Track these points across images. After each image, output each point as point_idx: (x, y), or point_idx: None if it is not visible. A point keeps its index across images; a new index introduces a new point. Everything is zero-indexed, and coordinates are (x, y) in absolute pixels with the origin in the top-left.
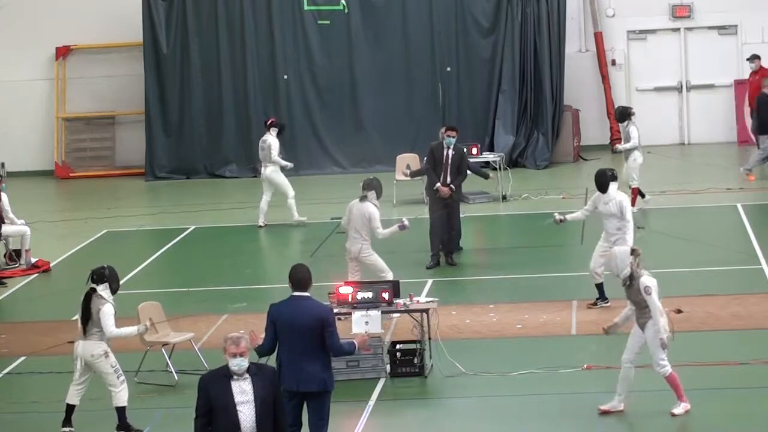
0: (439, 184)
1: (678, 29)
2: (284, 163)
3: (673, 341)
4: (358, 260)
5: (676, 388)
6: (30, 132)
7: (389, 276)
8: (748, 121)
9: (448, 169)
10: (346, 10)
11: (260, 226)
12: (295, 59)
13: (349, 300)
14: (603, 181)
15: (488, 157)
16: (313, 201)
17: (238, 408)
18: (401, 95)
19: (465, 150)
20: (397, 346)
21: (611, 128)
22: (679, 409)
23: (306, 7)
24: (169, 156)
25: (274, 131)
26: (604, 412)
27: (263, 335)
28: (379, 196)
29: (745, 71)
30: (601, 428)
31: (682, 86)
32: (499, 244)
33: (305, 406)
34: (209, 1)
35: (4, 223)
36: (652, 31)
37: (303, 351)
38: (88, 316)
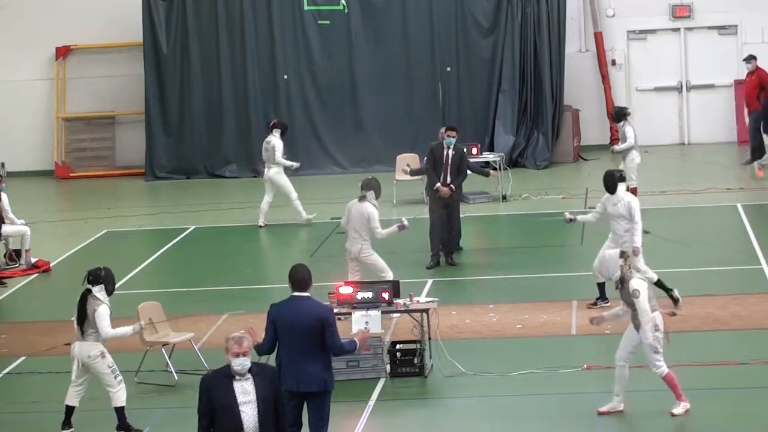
0: (439, 184)
1: (678, 29)
2: (290, 163)
3: (669, 344)
4: (358, 260)
5: (674, 387)
6: (30, 132)
7: (389, 276)
8: (746, 121)
9: (448, 169)
10: (346, 10)
11: (260, 226)
12: (295, 59)
13: (349, 300)
14: (611, 182)
15: (488, 157)
16: (314, 201)
17: (240, 408)
18: (401, 95)
19: (465, 150)
20: (397, 346)
21: (611, 128)
22: (679, 408)
23: (306, 7)
24: (169, 156)
25: (277, 132)
26: (604, 414)
27: (263, 334)
28: (377, 196)
29: (746, 71)
30: (601, 428)
31: (682, 86)
32: (499, 244)
33: (305, 406)
34: (209, 1)
35: (4, 223)
36: (652, 31)
37: (303, 351)
38: (83, 317)
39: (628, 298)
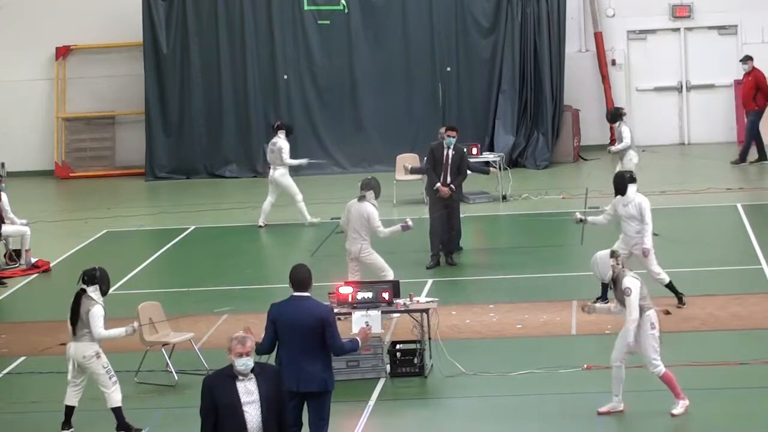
0: (439, 184)
1: (678, 29)
2: (298, 162)
3: (660, 343)
4: (358, 260)
5: (673, 387)
6: (30, 132)
7: (390, 275)
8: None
9: (448, 169)
10: (346, 10)
11: (260, 226)
12: (295, 59)
13: (349, 300)
14: (621, 183)
15: (488, 157)
16: (314, 201)
17: (244, 408)
18: (401, 95)
19: (465, 150)
20: (397, 346)
21: (611, 128)
22: (678, 408)
23: (306, 7)
24: (169, 156)
25: (282, 134)
26: (604, 414)
27: (262, 334)
28: (377, 196)
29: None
30: (600, 428)
31: (682, 86)
32: (499, 244)
33: (305, 406)
34: (209, 1)
35: (4, 223)
36: (652, 31)
37: (303, 351)
38: (76, 317)
39: (621, 297)
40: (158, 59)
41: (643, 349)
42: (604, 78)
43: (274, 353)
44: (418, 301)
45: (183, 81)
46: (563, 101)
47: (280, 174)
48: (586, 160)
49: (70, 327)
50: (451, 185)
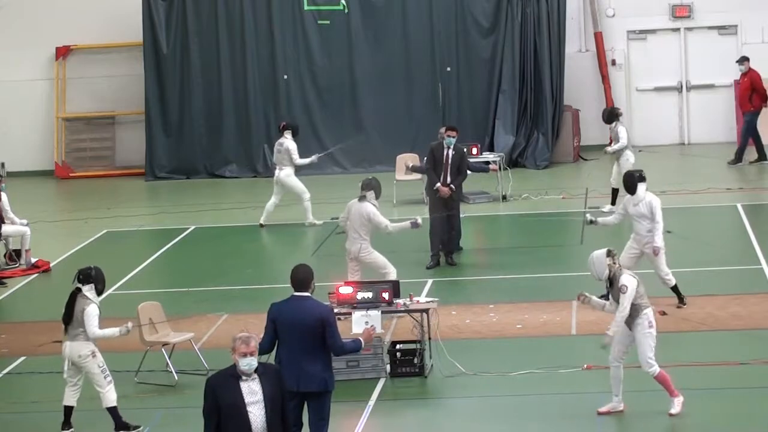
0: (439, 184)
1: (678, 29)
2: (308, 160)
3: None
4: (358, 260)
5: (667, 385)
6: (30, 132)
7: (391, 272)
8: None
9: (448, 169)
10: (346, 10)
11: (261, 225)
12: (295, 59)
13: (349, 300)
14: (631, 182)
15: (488, 157)
16: (314, 201)
17: (248, 408)
18: (401, 95)
19: (465, 150)
20: (397, 346)
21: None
22: (675, 407)
23: (306, 7)
24: (169, 156)
25: (288, 134)
26: (603, 414)
27: (261, 333)
28: (378, 196)
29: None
30: (600, 428)
31: (682, 86)
32: (499, 244)
33: (306, 406)
34: (209, 1)
35: (4, 223)
36: (652, 31)
37: (303, 351)
38: (70, 316)
39: (617, 295)
40: (158, 59)
41: (639, 348)
42: (604, 78)
43: (273, 353)
44: (418, 301)
45: (183, 81)
46: (563, 101)
47: (285, 174)
48: (586, 160)
49: (63, 326)
50: (451, 185)
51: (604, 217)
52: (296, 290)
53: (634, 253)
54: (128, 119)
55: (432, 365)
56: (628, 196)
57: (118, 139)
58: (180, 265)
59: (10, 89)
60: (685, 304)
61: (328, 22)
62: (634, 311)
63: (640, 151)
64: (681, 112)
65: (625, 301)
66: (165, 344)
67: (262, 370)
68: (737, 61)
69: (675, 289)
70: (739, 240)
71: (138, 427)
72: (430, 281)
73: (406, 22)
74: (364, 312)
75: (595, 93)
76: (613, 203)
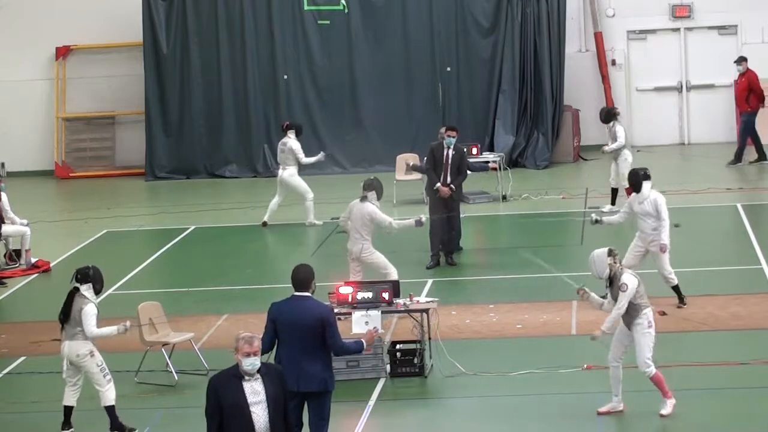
0: (439, 184)
1: (678, 29)
2: (314, 159)
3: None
4: (360, 260)
5: (661, 386)
6: (30, 132)
7: (393, 272)
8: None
9: (448, 169)
10: (346, 10)
11: (264, 224)
12: (295, 59)
13: (349, 300)
14: (635, 180)
15: (488, 157)
16: (314, 201)
17: (251, 408)
18: (401, 95)
19: (465, 150)
20: (397, 346)
21: None
22: (667, 408)
23: (306, 7)
24: (169, 156)
25: (292, 134)
26: (603, 414)
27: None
28: (379, 197)
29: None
30: (601, 428)
31: (682, 86)
32: (499, 244)
33: (306, 406)
34: (209, 1)
35: (4, 223)
36: (652, 31)
37: (303, 351)
38: (67, 315)
39: (617, 294)
40: (158, 59)
41: (638, 348)
42: (604, 78)
43: (272, 353)
44: (418, 301)
45: (183, 81)
46: (563, 101)
47: (288, 174)
48: (586, 160)
49: (60, 325)
50: (451, 185)
51: (609, 216)
52: (297, 290)
53: (639, 251)
54: (128, 119)
55: (432, 365)
56: (633, 194)
57: (118, 139)
58: (180, 265)
59: (10, 89)
60: (685, 305)
61: (328, 22)
62: (634, 311)
63: (638, 151)
64: (681, 112)
65: (623, 299)
66: (165, 344)
67: (264, 371)
68: (735, 62)
69: (676, 288)
70: (739, 240)
71: (133, 430)
72: (430, 281)
73: (406, 22)
74: (364, 312)
75: (595, 93)
76: (613, 203)
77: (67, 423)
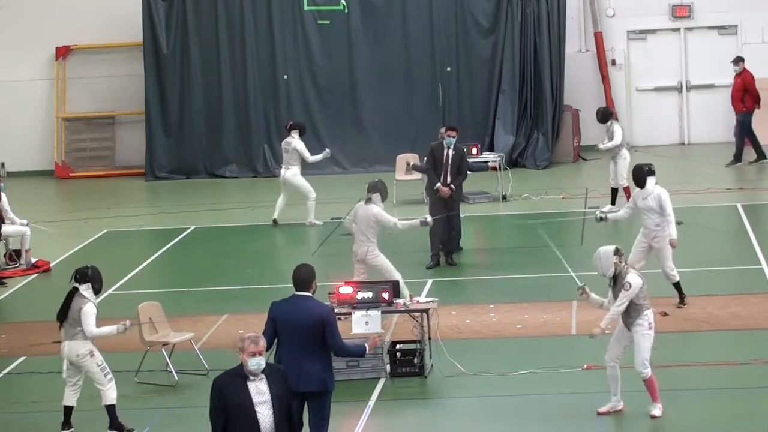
0: (439, 184)
1: (678, 29)
2: (320, 157)
3: (656, 348)
4: (365, 262)
5: (653, 390)
6: (30, 132)
7: (397, 277)
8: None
9: (448, 169)
10: (346, 10)
11: (274, 222)
12: (295, 59)
13: (349, 300)
14: (639, 176)
15: (488, 157)
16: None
17: (256, 408)
18: (401, 95)
19: (465, 150)
20: (397, 346)
21: None
22: (656, 410)
23: (306, 7)
24: (169, 156)
25: (296, 133)
26: (603, 414)
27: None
28: (384, 199)
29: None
30: (601, 428)
31: (682, 86)
32: (499, 244)
33: (306, 405)
34: (209, 1)
35: (4, 223)
36: (652, 31)
37: (303, 350)
38: (65, 314)
39: (618, 293)
40: (158, 59)
41: (637, 348)
42: (604, 78)
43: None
44: (418, 301)
45: (183, 81)
46: (563, 101)
47: (291, 174)
48: (586, 160)
49: (58, 325)
50: (451, 185)
51: (614, 213)
52: (297, 290)
53: (643, 247)
54: (128, 119)
55: (432, 365)
56: (637, 189)
57: (118, 139)
58: (180, 265)
59: (10, 89)
60: (685, 305)
61: (328, 22)
62: (635, 312)
63: (636, 150)
64: (681, 112)
65: (625, 298)
66: (165, 344)
67: (268, 371)
68: (732, 62)
69: (677, 286)
70: (739, 240)
71: (132, 430)
72: (430, 281)
73: (406, 22)
74: (364, 312)
75: (595, 93)
76: (613, 203)
77: (67, 423)
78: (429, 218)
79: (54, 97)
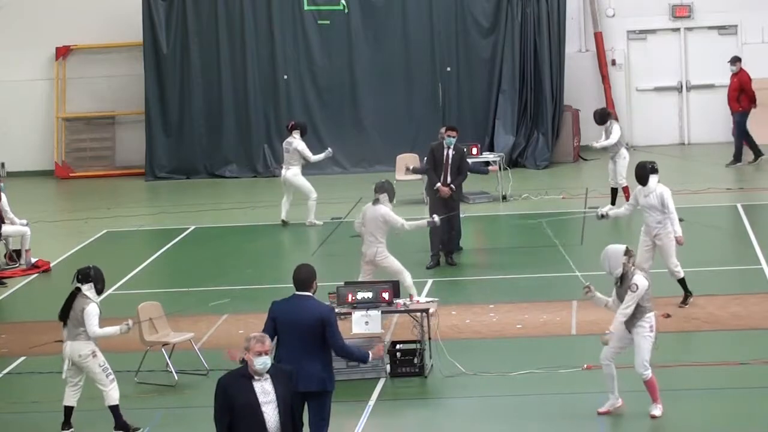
0: (439, 184)
1: (678, 29)
2: (322, 156)
3: (657, 349)
4: (374, 263)
5: (654, 391)
6: (30, 132)
7: (407, 277)
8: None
9: (449, 169)
10: (346, 10)
11: (283, 222)
12: (295, 59)
13: (349, 300)
14: (642, 173)
15: (488, 157)
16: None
17: (262, 408)
18: (401, 95)
19: (465, 150)
20: (397, 346)
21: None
22: (657, 410)
23: (306, 7)
24: (169, 156)
25: (297, 134)
26: (604, 414)
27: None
28: (391, 199)
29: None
30: (601, 428)
31: (682, 86)
32: (499, 244)
33: (306, 405)
34: (209, 1)
35: (4, 223)
36: (652, 31)
37: (303, 350)
38: (66, 313)
39: (624, 293)
40: (158, 59)
41: (637, 350)
42: (604, 78)
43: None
44: (418, 301)
45: (183, 81)
46: (563, 101)
47: (292, 174)
48: (586, 160)
49: (61, 325)
50: (451, 185)
51: (615, 210)
52: (298, 290)
53: (648, 247)
54: (128, 119)
55: (432, 365)
56: (639, 186)
57: (118, 139)
58: (180, 265)
59: (10, 89)
60: (687, 305)
61: (328, 22)
62: (638, 313)
63: (634, 150)
64: (681, 112)
65: (632, 300)
66: (165, 344)
67: (273, 371)
68: (729, 61)
69: (683, 282)
70: (739, 240)
71: (137, 429)
72: (430, 281)
73: (406, 22)
74: (364, 312)
75: (595, 93)
76: (613, 203)
77: (67, 423)
78: (437, 218)
79: (54, 97)
